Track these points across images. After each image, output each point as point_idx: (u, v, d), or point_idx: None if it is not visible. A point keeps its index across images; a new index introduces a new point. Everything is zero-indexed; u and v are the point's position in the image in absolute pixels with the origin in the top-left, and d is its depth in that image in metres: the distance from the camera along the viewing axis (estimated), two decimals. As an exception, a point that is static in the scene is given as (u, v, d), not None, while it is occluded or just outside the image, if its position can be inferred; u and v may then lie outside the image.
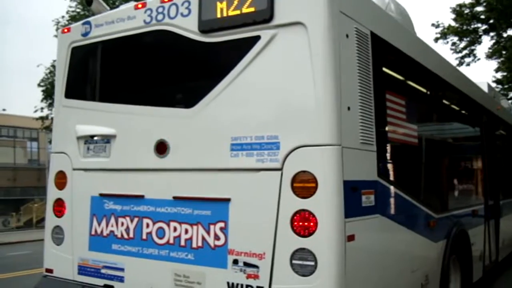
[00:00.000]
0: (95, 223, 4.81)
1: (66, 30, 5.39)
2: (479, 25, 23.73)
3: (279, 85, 3.88)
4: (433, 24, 24.85)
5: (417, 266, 5.16)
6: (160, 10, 4.51)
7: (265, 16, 3.91)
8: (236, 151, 3.99)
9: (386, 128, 4.69)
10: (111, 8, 5.55)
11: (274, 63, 3.92)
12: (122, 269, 4.57)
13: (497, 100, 10.95)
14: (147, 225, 4.46)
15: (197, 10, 4.27)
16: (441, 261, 5.74)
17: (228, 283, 3.94)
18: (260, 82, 3.98)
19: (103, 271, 4.69)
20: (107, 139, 4.83)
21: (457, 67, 20.85)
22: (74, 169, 5.02)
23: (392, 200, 4.67)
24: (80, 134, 5.00)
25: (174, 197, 4.30)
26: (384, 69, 4.74)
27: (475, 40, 24.31)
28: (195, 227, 4.17)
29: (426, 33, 44.37)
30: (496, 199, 8.84)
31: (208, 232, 4.10)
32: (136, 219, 4.54)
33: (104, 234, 4.73)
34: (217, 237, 4.04)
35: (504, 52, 24.37)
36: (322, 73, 3.69)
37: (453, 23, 24.13)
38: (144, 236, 4.47)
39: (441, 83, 6.51)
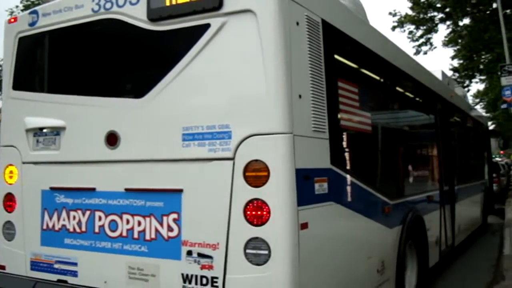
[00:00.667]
0: (46, 217, 4.70)
1: (12, 20, 5.22)
2: (436, 13, 24.22)
3: (230, 74, 3.85)
4: (390, 13, 25.26)
5: (373, 253, 5.21)
6: None
7: (214, 4, 3.86)
8: (188, 141, 3.95)
9: (339, 116, 4.69)
10: None
11: (225, 51, 3.88)
12: (75, 264, 4.49)
13: (451, 88, 11.15)
14: (99, 218, 4.38)
15: None
16: (397, 247, 5.81)
17: (182, 274, 3.91)
18: (210, 71, 3.94)
19: (56, 266, 4.60)
20: (56, 131, 4.71)
21: (415, 56, 21.25)
22: (23, 163, 4.89)
23: (345, 187, 4.69)
24: (29, 126, 4.87)
25: (126, 189, 4.23)
26: (336, 56, 4.73)
27: (432, 28, 24.82)
28: (148, 219, 4.12)
29: (383, 22, 44.95)
30: (451, 185, 9.02)
31: (161, 224, 4.05)
32: (88, 212, 4.46)
33: (56, 228, 4.63)
34: (170, 229, 4.01)
35: (460, 41, 24.95)
36: (272, 61, 3.68)
37: (410, 12, 24.56)
38: (96, 230, 4.39)
39: (394, 71, 6.57)
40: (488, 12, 22.21)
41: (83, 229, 4.47)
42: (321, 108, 4.16)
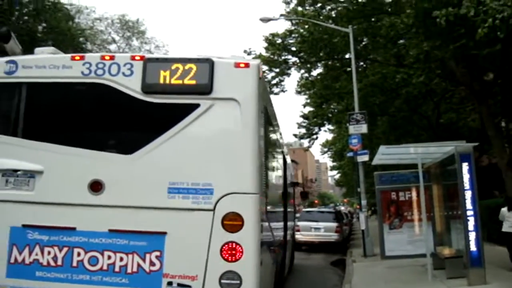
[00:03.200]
0: (15, 252, 5.66)
1: None
2: (290, 56, 26.83)
3: (214, 144, 5.62)
4: (245, 51, 27.32)
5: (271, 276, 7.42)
6: (101, 66, 5.82)
7: (205, 90, 5.64)
8: (173, 193, 5.56)
9: (267, 178, 6.72)
10: None
11: (211, 126, 5.66)
12: None
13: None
14: (78, 254, 5.58)
15: (140, 73, 5.74)
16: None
17: None
18: (197, 140, 5.65)
19: None
20: (30, 173, 5.79)
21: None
22: None
23: (265, 232, 6.60)
24: None
25: (110, 230, 5.56)
26: (266, 134, 6.71)
27: (284, 71, 27.30)
28: (130, 255, 5.53)
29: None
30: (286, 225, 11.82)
31: (143, 260, 5.51)
32: (65, 249, 5.60)
33: (26, 262, 5.64)
34: (152, 264, 5.50)
35: (314, 88, 28.12)
36: (251, 138, 5.58)
37: (264, 52, 26.88)
38: (74, 264, 5.57)
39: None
40: (339, 63, 25.56)
41: (59, 263, 5.59)
42: (265, 173, 6.17)
